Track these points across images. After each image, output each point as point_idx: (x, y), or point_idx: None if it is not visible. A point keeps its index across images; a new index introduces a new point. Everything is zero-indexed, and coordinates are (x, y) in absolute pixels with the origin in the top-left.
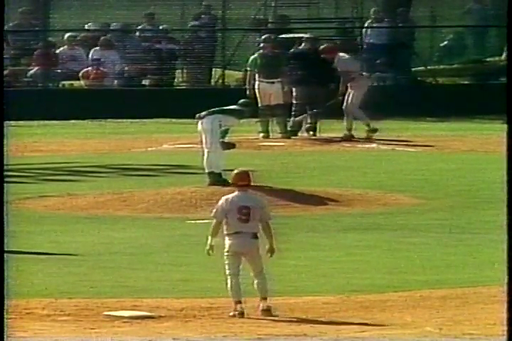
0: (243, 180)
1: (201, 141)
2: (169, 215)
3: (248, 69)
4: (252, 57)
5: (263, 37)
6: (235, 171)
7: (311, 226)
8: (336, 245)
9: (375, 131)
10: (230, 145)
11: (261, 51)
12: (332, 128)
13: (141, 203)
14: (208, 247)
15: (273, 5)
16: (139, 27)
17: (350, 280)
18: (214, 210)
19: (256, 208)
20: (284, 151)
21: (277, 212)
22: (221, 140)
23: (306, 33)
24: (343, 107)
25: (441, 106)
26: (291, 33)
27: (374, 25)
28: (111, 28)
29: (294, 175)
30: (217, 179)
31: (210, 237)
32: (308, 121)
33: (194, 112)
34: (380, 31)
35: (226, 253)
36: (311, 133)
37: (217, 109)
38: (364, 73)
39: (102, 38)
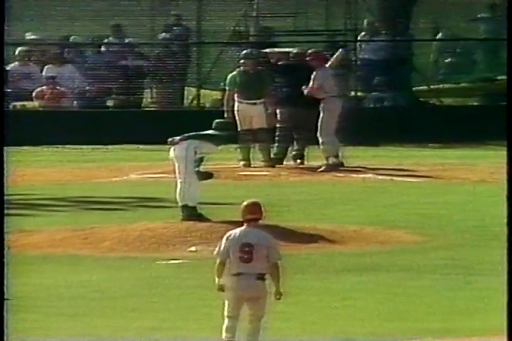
0: (253, 214)
1: (174, 170)
2: (137, 255)
3: (226, 88)
4: (230, 75)
5: (243, 52)
6: (244, 203)
7: (300, 267)
8: (329, 289)
9: (337, 165)
10: (207, 175)
11: (241, 68)
12: (322, 156)
13: (104, 241)
14: (218, 287)
15: (255, 15)
16: (103, 40)
17: (345, 329)
18: (217, 248)
19: (261, 246)
20: (267, 182)
21: None
22: (196, 169)
23: (292, 47)
24: (318, 134)
25: (446, 130)
26: (275, 47)
27: (370, 38)
28: (70, 41)
29: (280, 208)
30: (192, 213)
31: (216, 278)
32: (295, 147)
33: (165, 137)
34: (377, 45)
35: (228, 295)
36: (299, 161)
37: (192, 133)
38: (335, 95)
39: (53, 52)
